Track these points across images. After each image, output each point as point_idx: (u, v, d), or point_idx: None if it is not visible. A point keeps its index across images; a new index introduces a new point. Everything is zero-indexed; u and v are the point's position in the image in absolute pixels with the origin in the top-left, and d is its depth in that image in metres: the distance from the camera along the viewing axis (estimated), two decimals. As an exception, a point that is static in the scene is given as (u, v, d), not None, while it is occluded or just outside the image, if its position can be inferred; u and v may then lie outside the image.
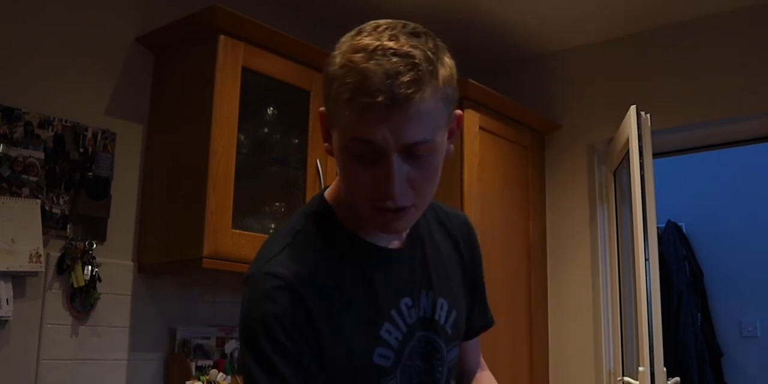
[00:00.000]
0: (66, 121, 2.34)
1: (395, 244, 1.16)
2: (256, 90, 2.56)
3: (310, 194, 2.60)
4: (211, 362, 2.53)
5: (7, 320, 2.12)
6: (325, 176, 2.63)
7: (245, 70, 2.44)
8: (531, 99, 3.54)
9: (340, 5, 3.11)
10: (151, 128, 2.56)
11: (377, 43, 0.98)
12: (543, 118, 3.45)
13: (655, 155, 2.97)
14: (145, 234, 2.48)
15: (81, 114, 2.39)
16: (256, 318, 1.05)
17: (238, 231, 2.36)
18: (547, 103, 3.56)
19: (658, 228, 3.34)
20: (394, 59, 0.96)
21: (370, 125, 0.96)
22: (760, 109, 3.03)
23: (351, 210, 1.12)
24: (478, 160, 3.07)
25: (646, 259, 2.72)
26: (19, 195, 2.19)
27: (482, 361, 1.42)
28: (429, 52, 0.99)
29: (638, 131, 2.80)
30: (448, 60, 1.04)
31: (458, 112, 1.09)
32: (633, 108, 2.85)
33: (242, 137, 2.52)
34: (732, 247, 4.64)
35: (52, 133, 2.30)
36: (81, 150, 2.36)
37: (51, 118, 2.30)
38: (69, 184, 2.32)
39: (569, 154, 3.49)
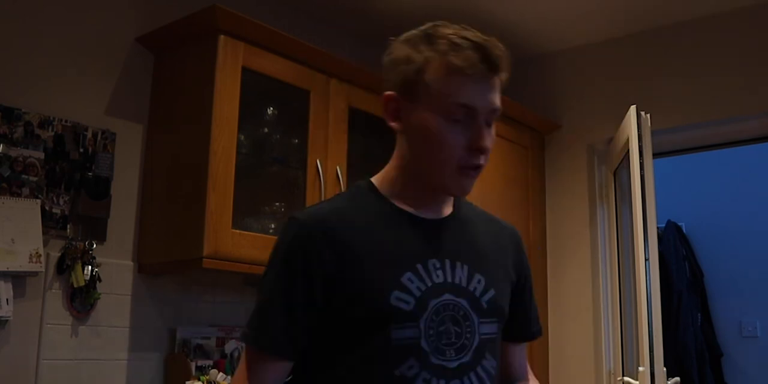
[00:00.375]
0: (66, 121, 2.34)
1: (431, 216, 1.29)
2: (256, 90, 2.56)
3: (310, 194, 2.60)
4: (211, 362, 2.53)
5: (7, 320, 2.12)
6: (325, 176, 2.63)
7: (245, 70, 2.44)
8: (531, 99, 3.54)
9: (340, 5, 3.11)
10: (151, 128, 2.56)
11: (463, 31, 1.21)
12: (543, 118, 3.45)
13: (655, 155, 2.96)
14: (145, 234, 2.48)
15: (81, 114, 2.39)
16: (284, 239, 1.23)
17: (238, 231, 2.36)
18: (547, 103, 3.56)
19: (658, 228, 3.34)
20: (488, 41, 1.19)
21: (476, 93, 1.18)
22: (760, 109, 3.03)
23: (401, 187, 1.27)
24: (478, 160, 3.06)
25: (646, 259, 2.72)
26: (19, 195, 2.19)
27: (530, 372, 1.46)
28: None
29: (638, 131, 2.80)
30: None
31: None
32: (633, 108, 2.85)
33: (242, 137, 2.52)
34: (732, 247, 4.64)
35: (52, 133, 2.30)
36: (81, 150, 2.36)
37: (51, 118, 2.30)
38: (69, 184, 2.32)
39: (569, 154, 3.49)
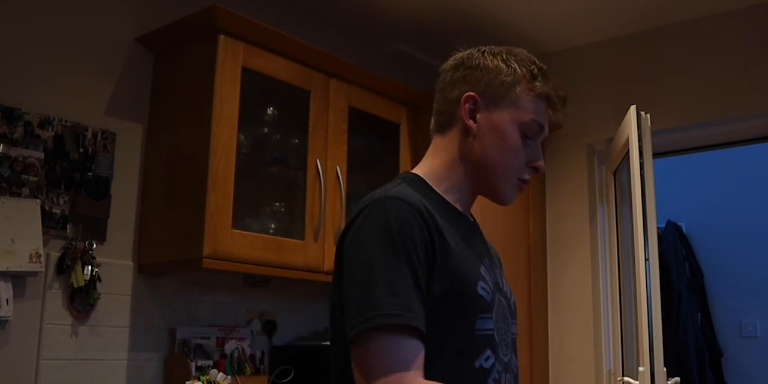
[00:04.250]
0: (66, 121, 2.34)
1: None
2: (256, 90, 2.56)
3: (310, 194, 2.60)
4: (211, 362, 2.53)
5: (7, 320, 2.12)
6: (325, 176, 2.63)
7: (245, 70, 2.44)
8: (531, 99, 3.53)
9: (340, 5, 3.11)
10: (151, 128, 2.56)
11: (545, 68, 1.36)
12: (543, 118, 3.45)
13: (655, 155, 2.96)
14: (145, 234, 2.48)
15: (81, 114, 2.39)
16: (388, 213, 1.14)
17: (238, 231, 2.36)
18: (547, 103, 3.55)
19: (658, 228, 3.34)
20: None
21: (547, 116, 1.33)
22: (760, 109, 3.03)
23: (449, 184, 1.31)
24: (478, 160, 3.06)
25: (646, 259, 2.72)
26: (19, 195, 2.19)
27: None
28: None
29: (638, 131, 2.80)
30: None
31: None
32: (633, 108, 2.85)
33: (242, 137, 2.52)
34: (732, 247, 4.64)
35: (52, 133, 2.30)
36: (81, 150, 2.36)
37: (51, 118, 2.30)
38: (69, 184, 2.32)
39: (569, 154, 3.49)
